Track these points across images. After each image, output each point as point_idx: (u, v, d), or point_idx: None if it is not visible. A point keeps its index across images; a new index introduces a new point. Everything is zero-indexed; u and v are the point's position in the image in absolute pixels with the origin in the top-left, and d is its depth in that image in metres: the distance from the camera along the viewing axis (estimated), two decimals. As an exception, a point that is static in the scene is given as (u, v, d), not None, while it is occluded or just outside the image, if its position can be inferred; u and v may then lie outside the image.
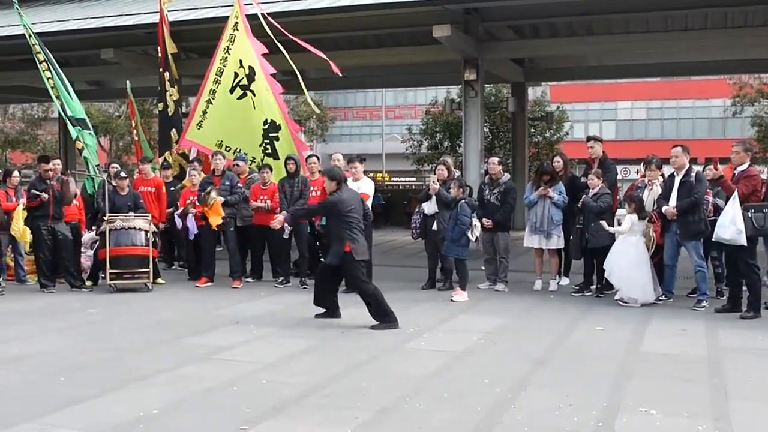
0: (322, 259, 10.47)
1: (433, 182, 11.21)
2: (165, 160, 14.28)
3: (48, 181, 11.40)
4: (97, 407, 5.57)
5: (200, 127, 12.80)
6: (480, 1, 15.17)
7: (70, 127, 12.25)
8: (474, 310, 9.64)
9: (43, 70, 12.59)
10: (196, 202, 11.73)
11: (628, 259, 9.80)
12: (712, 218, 9.57)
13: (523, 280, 11.68)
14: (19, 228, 11.10)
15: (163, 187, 13.15)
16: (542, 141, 28.49)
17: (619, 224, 10.16)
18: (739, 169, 9.52)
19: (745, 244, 8.81)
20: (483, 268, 11.62)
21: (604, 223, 10.13)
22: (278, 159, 12.34)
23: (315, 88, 13.15)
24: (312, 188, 11.46)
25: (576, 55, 21.13)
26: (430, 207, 11.27)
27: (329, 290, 8.94)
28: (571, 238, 10.95)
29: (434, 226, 11.09)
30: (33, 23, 13.45)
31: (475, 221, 10.45)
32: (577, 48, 18.46)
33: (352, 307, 8.85)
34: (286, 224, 10.68)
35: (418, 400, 5.69)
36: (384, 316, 8.44)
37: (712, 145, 37.75)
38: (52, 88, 12.51)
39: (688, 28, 16.47)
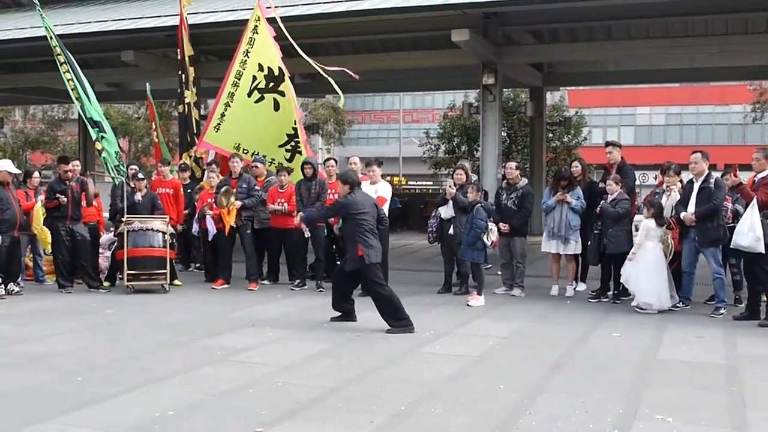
0: (338, 263, 10.48)
1: (450, 186, 11.20)
2: (183, 162, 14.35)
3: (67, 182, 11.47)
4: (114, 408, 5.60)
5: (218, 129, 12.84)
6: (499, 5, 15.13)
7: (89, 128, 12.32)
8: (490, 315, 9.62)
9: (64, 72, 12.67)
10: (214, 204, 11.78)
11: (645, 265, 9.75)
12: (731, 225, 9.51)
13: (539, 285, 11.64)
14: (40, 225, 11.17)
15: (181, 189, 13.20)
16: (560, 146, 28.37)
17: (637, 230, 10.10)
18: (760, 176, 9.45)
19: (764, 252, 8.75)
20: (499, 273, 11.60)
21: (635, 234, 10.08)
22: (303, 156, 12.40)
23: (333, 91, 13.12)
24: (329, 191, 11.47)
25: (595, 60, 21.04)
26: (446, 211, 11.26)
27: (347, 293, 8.96)
28: (589, 243, 10.92)
29: (450, 231, 11.08)
30: (54, 25, 13.53)
31: (492, 225, 10.44)
32: (596, 53, 18.38)
33: (368, 311, 8.85)
34: (303, 226, 10.76)
35: (434, 404, 5.68)
36: (400, 320, 8.44)
37: (731, 152, 37.47)
38: (72, 89, 12.58)
39: (709, 34, 16.34)
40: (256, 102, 12.65)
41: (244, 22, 13.13)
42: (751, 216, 8.79)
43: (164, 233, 11.42)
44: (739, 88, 39.40)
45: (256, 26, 12.62)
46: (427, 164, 32.19)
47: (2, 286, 10.75)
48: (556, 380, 6.47)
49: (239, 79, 12.63)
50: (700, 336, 8.30)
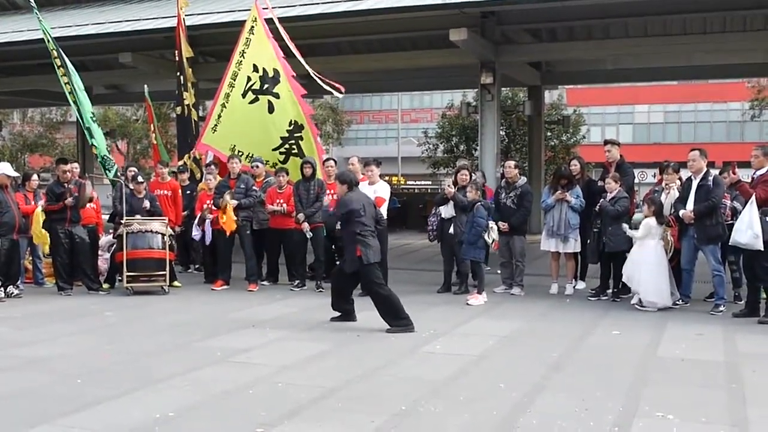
0: (338, 263, 10.48)
1: (448, 186, 11.19)
2: (184, 163, 14.35)
3: (66, 184, 11.46)
4: (114, 409, 5.59)
5: (215, 131, 12.81)
6: (497, 4, 15.13)
7: (86, 132, 12.37)
8: (490, 314, 9.62)
9: (61, 75, 12.71)
10: (213, 206, 11.77)
11: (646, 263, 9.74)
12: (730, 222, 9.51)
13: (538, 283, 11.64)
14: (39, 231, 11.17)
15: (179, 191, 13.19)
16: (559, 144, 28.40)
17: (636, 228, 10.11)
18: (758, 173, 9.46)
19: (762, 249, 8.76)
20: (499, 271, 11.60)
21: (625, 226, 10.10)
22: (305, 157, 12.32)
23: (332, 91, 13.09)
24: (328, 191, 11.47)
25: (593, 59, 21.05)
26: (447, 210, 11.25)
27: (346, 293, 8.97)
28: (588, 241, 10.92)
29: (451, 230, 11.07)
30: (52, 27, 13.54)
31: (492, 224, 10.44)
32: (594, 51, 18.38)
33: (368, 311, 8.84)
34: (305, 226, 10.81)
35: (434, 403, 5.68)
36: (399, 320, 8.44)
37: (730, 149, 37.53)
38: (69, 93, 12.62)
39: (707, 32, 16.36)
40: (251, 103, 12.62)
41: (242, 23, 13.12)
42: (750, 213, 8.80)
43: (163, 235, 11.42)
44: (737, 86, 39.40)
45: (253, 27, 12.61)
46: (425, 164, 32.21)
47: (2, 288, 10.74)
48: (556, 379, 6.47)
49: (235, 80, 12.62)
50: (699, 333, 8.31)
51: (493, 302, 10.42)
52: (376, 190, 10.86)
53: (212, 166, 13.03)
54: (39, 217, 11.16)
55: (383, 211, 10.54)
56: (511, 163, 11.52)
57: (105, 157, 12.87)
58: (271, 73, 12.47)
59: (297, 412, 5.50)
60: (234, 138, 12.75)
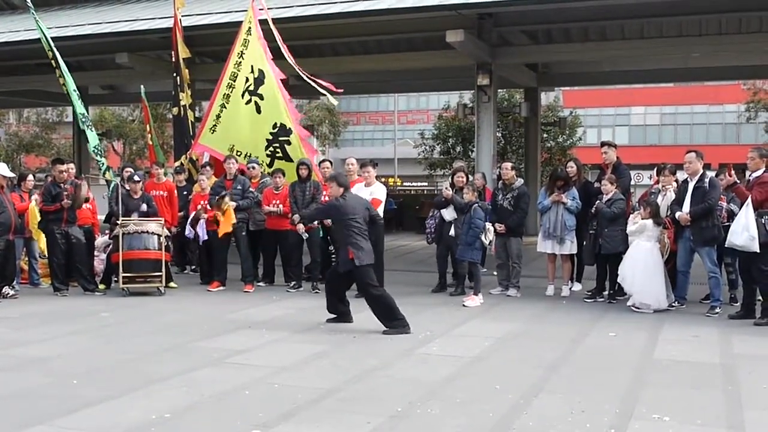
0: (334, 263, 10.48)
1: (446, 188, 11.20)
2: (180, 164, 14.34)
3: (62, 184, 11.44)
4: (110, 410, 5.59)
5: (213, 131, 12.79)
6: (494, 6, 15.15)
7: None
8: (486, 316, 9.63)
9: (58, 76, 12.71)
10: (207, 207, 11.77)
11: (643, 265, 9.76)
12: (726, 224, 9.52)
13: (535, 285, 11.65)
14: (35, 225, 11.15)
15: (175, 191, 13.17)
16: (555, 146, 28.39)
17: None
18: (754, 175, 9.46)
19: (758, 251, 8.77)
20: (495, 273, 11.61)
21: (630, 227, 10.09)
22: (291, 162, 12.28)
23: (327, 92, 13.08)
24: (323, 192, 11.46)
25: (590, 61, 21.08)
26: (449, 213, 11.23)
27: (341, 295, 8.96)
28: (584, 243, 10.93)
29: (451, 232, 11.08)
30: (49, 27, 13.54)
31: (489, 225, 10.46)
32: (590, 53, 18.42)
33: (365, 312, 8.84)
34: (300, 227, 10.79)
35: (430, 405, 5.68)
36: (395, 321, 8.44)
37: (726, 151, 37.55)
38: (67, 93, 12.64)
39: (703, 34, 16.40)
40: (246, 104, 12.62)
41: (239, 23, 13.12)
42: (746, 215, 8.81)
43: (159, 236, 11.40)
44: (733, 88, 39.47)
45: (250, 27, 12.61)
46: (422, 165, 32.20)
47: (-2, 289, 10.74)
48: (553, 380, 6.48)
49: (234, 81, 12.60)
50: (695, 335, 8.32)
51: (489, 304, 10.42)
52: (373, 192, 10.86)
53: (207, 167, 13.00)
54: (34, 211, 11.13)
55: (380, 212, 10.55)
56: (508, 164, 11.52)
57: (96, 147, 12.87)
58: (256, 74, 12.46)
59: (293, 413, 5.49)
60: (233, 138, 12.74)
